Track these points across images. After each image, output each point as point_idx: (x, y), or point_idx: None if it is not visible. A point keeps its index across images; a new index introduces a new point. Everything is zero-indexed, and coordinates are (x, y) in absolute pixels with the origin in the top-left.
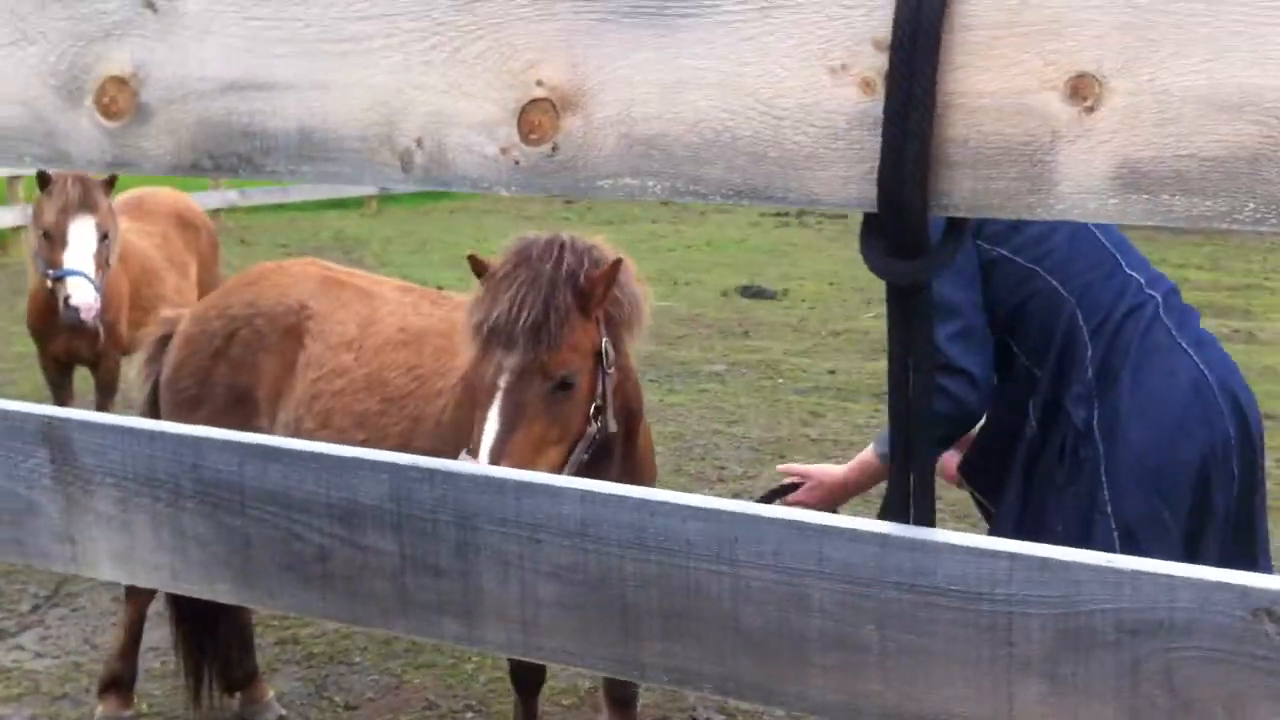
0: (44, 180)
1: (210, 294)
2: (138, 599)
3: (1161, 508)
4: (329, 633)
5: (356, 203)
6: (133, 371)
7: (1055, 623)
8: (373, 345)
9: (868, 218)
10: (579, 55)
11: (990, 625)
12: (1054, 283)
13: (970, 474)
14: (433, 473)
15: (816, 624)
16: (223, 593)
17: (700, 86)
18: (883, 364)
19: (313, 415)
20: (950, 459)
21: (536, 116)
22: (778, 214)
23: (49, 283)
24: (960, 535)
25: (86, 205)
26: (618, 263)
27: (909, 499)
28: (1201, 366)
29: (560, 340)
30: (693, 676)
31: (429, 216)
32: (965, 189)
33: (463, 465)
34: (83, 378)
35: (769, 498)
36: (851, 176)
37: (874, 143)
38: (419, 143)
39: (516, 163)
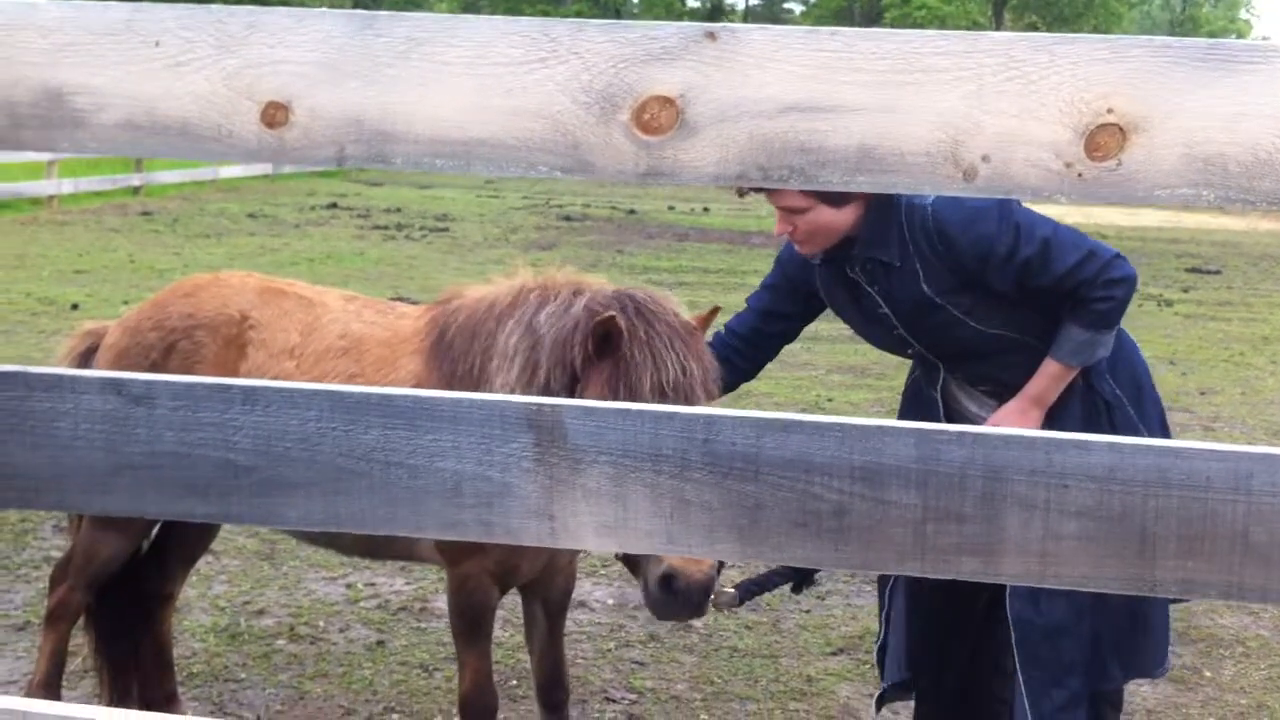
0: None
1: (140, 305)
2: (58, 625)
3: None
4: (198, 652)
5: None
6: None
7: None
8: (314, 352)
9: None
10: (1149, 89)
11: None
12: None
13: None
14: (962, 435)
15: None
16: (723, 551)
17: (1259, 117)
18: None
19: None
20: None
21: (1103, 138)
22: (377, 227)
23: None
24: None
25: None
26: (714, 311)
27: None
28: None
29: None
30: (1200, 586)
31: None
32: None
33: (990, 429)
34: None
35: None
36: None
37: None
38: (985, 158)
39: (1080, 175)
